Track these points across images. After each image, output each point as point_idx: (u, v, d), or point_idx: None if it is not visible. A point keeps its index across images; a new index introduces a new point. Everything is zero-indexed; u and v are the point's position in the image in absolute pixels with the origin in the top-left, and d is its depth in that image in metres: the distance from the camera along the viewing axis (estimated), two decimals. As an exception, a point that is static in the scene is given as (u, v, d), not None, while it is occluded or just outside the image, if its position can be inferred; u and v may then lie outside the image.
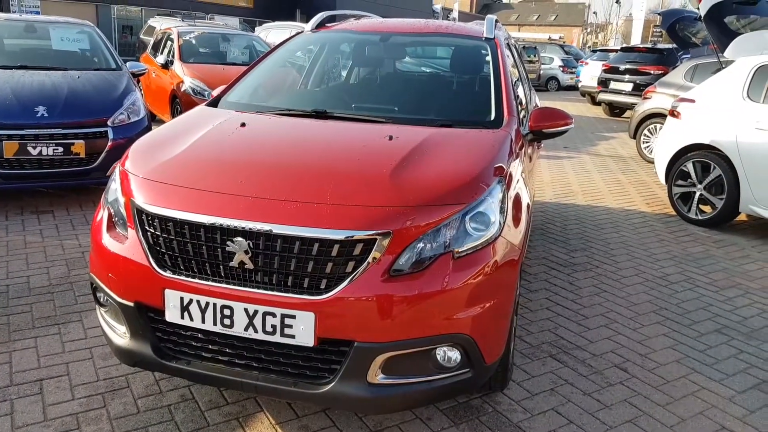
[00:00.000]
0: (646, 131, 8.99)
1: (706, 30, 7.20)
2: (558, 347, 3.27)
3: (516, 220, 2.47)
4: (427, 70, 3.55)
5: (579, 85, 18.01)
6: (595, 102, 16.09)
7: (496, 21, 3.87)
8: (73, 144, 4.86)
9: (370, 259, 2.06)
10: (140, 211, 2.25)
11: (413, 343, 2.11)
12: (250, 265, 2.09)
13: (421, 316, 2.09)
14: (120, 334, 2.36)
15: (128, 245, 2.28)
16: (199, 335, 2.22)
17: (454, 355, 2.20)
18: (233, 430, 2.44)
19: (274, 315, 2.08)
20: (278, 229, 2.06)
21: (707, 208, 5.84)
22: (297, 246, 2.06)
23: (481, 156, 2.51)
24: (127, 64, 6.02)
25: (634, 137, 9.20)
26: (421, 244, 2.12)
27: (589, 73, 16.29)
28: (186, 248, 2.16)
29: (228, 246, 2.10)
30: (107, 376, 2.75)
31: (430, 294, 2.09)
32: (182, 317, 2.18)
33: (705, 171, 5.76)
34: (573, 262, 4.63)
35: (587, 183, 7.46)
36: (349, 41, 3.80)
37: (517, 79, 4.02)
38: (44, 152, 4.77)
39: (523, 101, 3.77)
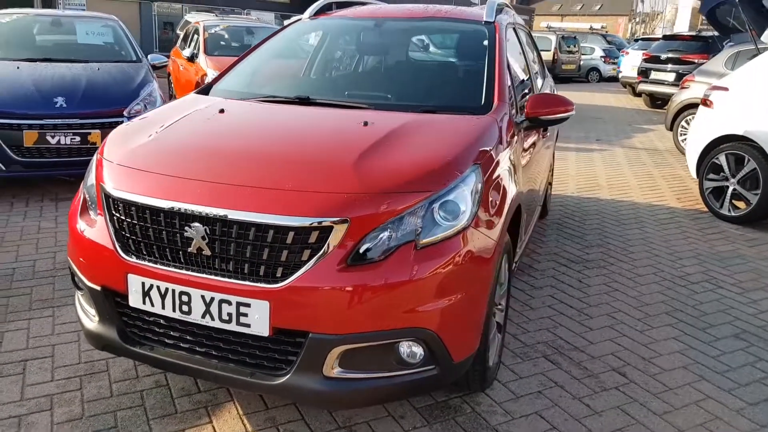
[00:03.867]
0: (683, 123, 8.59)
1: (744, 14, 6.80)
2: (554, 348, 3.12)
3: (496, 211, 2.36)
4: (421, 56, 3.44)
5: (619, 76, 17.42)
6: (636, 93, 15.52)
7: (502, 5, 3.72)
8: (89, 134, 4.96)
9: (326, 247, 1.99)
10: (107, 196, 2.24)
11: (371, 337, 2.03)
12: (207, 252, 2.05)
13: (379, 308, 2.01)
14: (90, 318, 2.37)
15: (96, 230, 2.28)
16: (161, 321, 2.20)
17: (418, 350, 2.11)
18: (200, 419, 2.41)
19: (229, 303, 2.04)
20: (233, 214, 2.01)
21: (741, 204, 5.53)
22: (252, 232, 2.00)
23: (457, 142, 2.40)
24: (149, 56, 6.11)
25: (671, 129, 8.80)
26: (381, 233, 2.03)
27: (630, 63, 15.72)
28: (147, 233, 2.14)
29: (186, 231, 2.06)
30: (89, 359, 2.78)
31: (389, 285, 2.00)
32: (144, 302, 2.16)
33: (739, 164, 5.45)
34: (586, 258, 4.44)
35: (615, 176, 7.18)
36: (345, 28, 3.72)
37: (524, 66, 3.87)
38: (62, 141, 4.89)
39: (527, 88, 3.61)
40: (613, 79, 21.72)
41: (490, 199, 2.36)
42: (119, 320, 2.27)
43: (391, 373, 2.11)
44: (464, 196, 2.20)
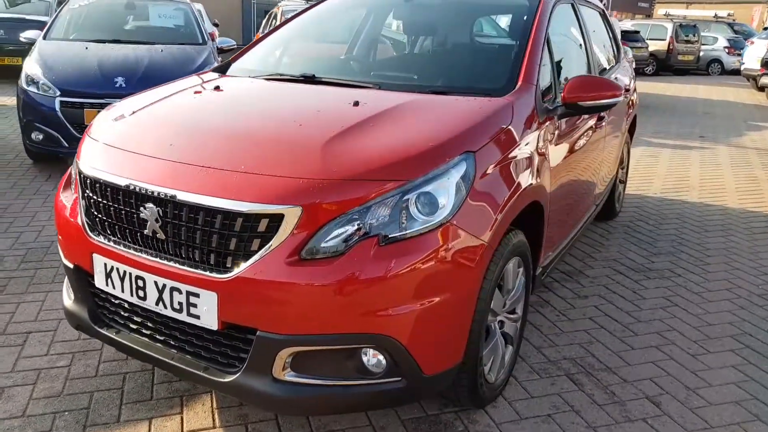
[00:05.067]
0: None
1: None
2: (581, 366, 2.75)
3: (493, 208, 2.06)
4: (452, 34, 3.13)
5: (741, 68, 15.72)
6: (758, 87, 13.94)
7: None
8: (147, 113, 5.09)
9: (276, 237, 1.80)
10: (80, 173, 2.19)
11: (321, 340, 1.82)
12: (161, 235, 1.93)
13: (332, 309, 1.79)
14: (69, 296, 2.34)
15: (70, 207, 2.23)
16: (125, 305, 2.11)
17: (380, 359, 1.88)
18: (171, 408, 2.32)
19: (180, 291, 1.91)
20: (182, 195, 1.87)
21: None
22: (201, 217, 1.85)
23: (448, 127, 2.11)
24: (217, 40, 6.20)
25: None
26: (339, 225, 1.81)
27: (754, 54, 14.12)
28: (109, 212, 2.06)
29: (141, 212, 1.95)
30: (87, 337, 2.77)
31: (343, 284, 1.77)
32: (106, 284, 2.09)
33: None
34: (649, 267, 3.94)
35: (711, 177, 6.41)
36: (372, 4, 3.47)
37: (581, 47, 3.45)
38: (121, 119, 5.05)
39: (577, 71, 3.21)
40: (737, 72, 19.76)
41: (488, 193, 2.06)
42: (91, 300, 2.21)
43: (350, 381, 1.89)
44: (446, 188, 1.92)
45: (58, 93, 5.02)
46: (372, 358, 1.89)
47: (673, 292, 3.58)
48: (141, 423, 2.23)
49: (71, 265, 2.22)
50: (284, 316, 1.80)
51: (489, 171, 2.09)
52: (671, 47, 19.98)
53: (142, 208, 1.94)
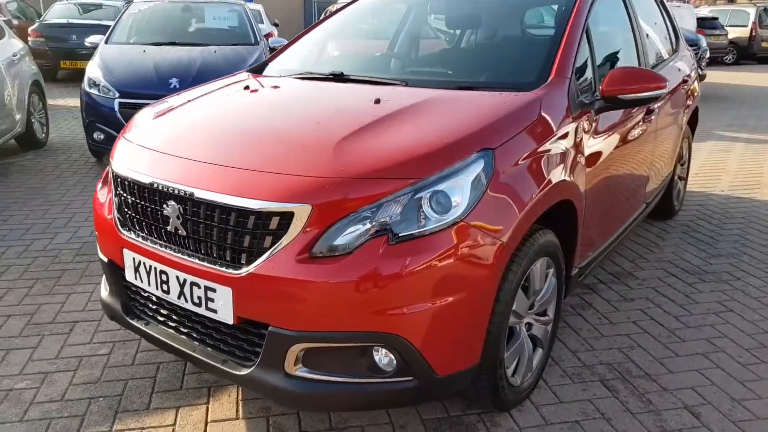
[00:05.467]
0: None
1: None
2: (618, 372, 2.63)
3: (514, 206, 1.99)
4: (487, 27, 3.05)
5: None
6: None
7: None
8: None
9: (287, 235, 1.81)
10: (112, 171, 2.28)
11: (331, 337, 1.82)
12: (182, 231, 1.99)
13: (341, 307, 1.79)
14: (105, 288, 2.45)
15: (105, 204, 2.34)
16: (153, 298, 2.19)
17: (391, 358, 1.86)
18: (198, 398, 2.39)
19: (198, 286, 1.96)
20: (199, 193, 1.92)
21: None
22: (217, 214, 1.90)
23: (467, 124, 2.06)
24: (269, 40, 6.33)
25: None
26: (350, 223, 1.80)
27: None
28: (137, 209, 2.14)
29: (164, 209, 2.02)
30: (129, 327, 2.90)
31: (353, 282, 1.77)
32: (135, 278, 2.17)
33: None
34: (705, 269, 3.72)
35: (787, 175, 5.98)
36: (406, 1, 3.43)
37: (628, 38, 3.29)
38: (173, 120, 5.26)
39: (624, 64, 3.06)
40: None
41: (508, 191, 2.00)
42: (124, 293, 2.31)
43: (361, 379, 1.88)
44: (460, 186, 1.88)
45: (117, 95, 5.27)
46: (384, 356, 1.88)
47: (730, 297, 3.36)
48: (169, 411, 2.31)
49: (106, 260, 2.33)
50: (294, 313, 1.82)
51: (510, 168, 2.02)
52: (754, 34, 18.75)
53: (165, 206, 2.01)
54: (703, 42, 11.47)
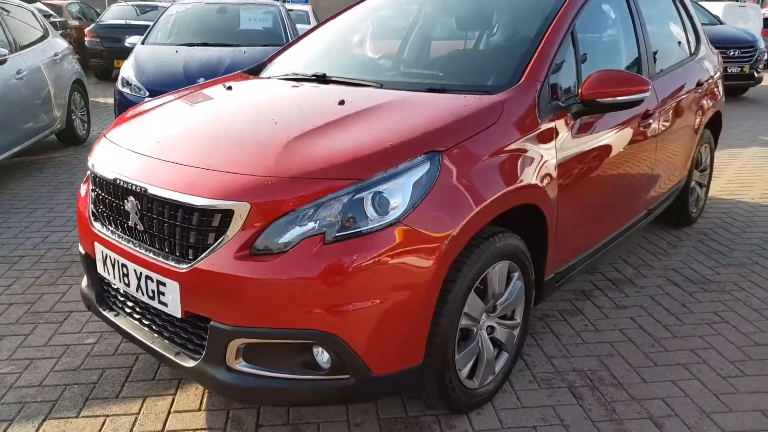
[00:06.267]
0: None
1: None
2: (590, 379, 2.57)
3: (457, 208, 1.99)
4: (471, 28, 3.03)
5: None
6: None
7: None
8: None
9: (228, 232, 1.87)
10: (90, 168, 2.40)
11: (267, 334, 1.87)
12: (140, 226, 2.08)
13: (277, 304, 1.84)
14: (84, 280, 2.57)
15: (83, 198, 2.46)
16: (120, 290, 2.30)
17: (327, 356, 1.89)
18: (167, 389, 2.48)
19: (152, 280, 2.04)
20: (152, 190, 2.00)
21: None
22: (167, 210, 1.98)
23: (420, 126, 2.08)
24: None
25: None
26: (288, 222, 1.85)
27: None
28: (105, 204, 2.25)
29: (125, 205, 2.11)
30: (119, 318, 3.03)
31: (287, 280, 1.81)
32: (104, 270, 2.28)
33: None
34: (711, 279, 3.57)
35: (824, 182, 5.67)
36: (395, 4, 3.44)
37: (630, 41, 3.21)
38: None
39: (609, 65, 2.98)
40: None
41: (456, 194, 2.00)
42: (98, 284, 2.42)
43: (299, 376, 1.92)
44: (401, 187, 1.90)
45: (147, 93, 5.48)
46: (323, 354, 1.92)
47: (728, 308, 3.23)
48: (136, 400, 2.41)
49: (83, 252, 2.45)
50: (233, 308, 1.88)
51: (460, 171, 2.02)
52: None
53: (125, 201, 2.11)
54: (762, 43, 10.95)
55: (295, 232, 1.84)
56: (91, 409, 2.36)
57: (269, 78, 2.95)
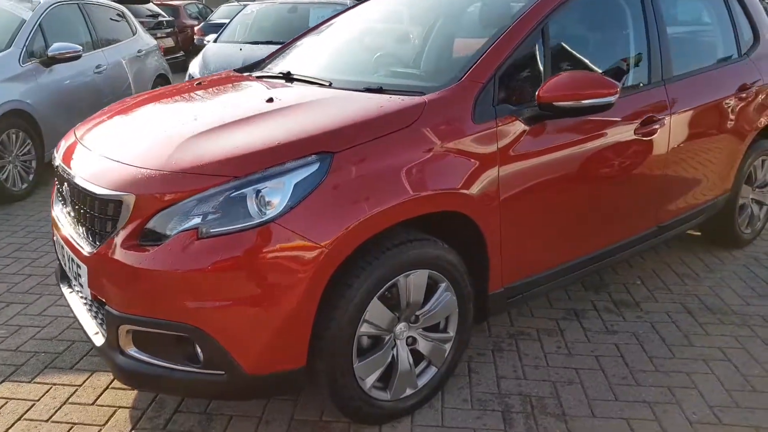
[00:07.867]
0: None
1: None
2: (532, 406, 2.38)
3: (345, 212, 1.92)
4: (445, 27, 2.87)
5: None
6: None
7: None
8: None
9: (120, 221, 1.96)
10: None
11: (146, 322, 1.93)
12: (72, 212, 2.24)
13: (152, 294, 1.90)
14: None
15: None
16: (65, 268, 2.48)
17: (199, 350, 1.92)
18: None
19: (74, 261, 2.19)
20: (77, 179, 2.16)
21: None
22: (83, 197, 2.11)
23: (317, 126, 2.04)
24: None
25: None
26: (167, 215, 1.90)
27: None
28: (56, 190, 2.44)
29: (63, 191, 2.28)
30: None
31: (159, 272, 1.87)
32: (55, 250, 2.48)
33: None
34: (735, 311, 3.14)
35: None
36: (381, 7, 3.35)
37: (634, 37, 2.92)
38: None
39: (603, 67, 2.73)
40: None
41: (347, 197, 1.94)
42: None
43: (175, 366, 1.97)
44: (282, 187, 1.87)
45: None
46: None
47: (740, 344, 2.83)
48: (83, 373, 2.59)
49: (54, 233, 2.67)
50: (121, 295, 1.97)
51: (353, 174, 1.95)
52: None
53: (63, 187, 2.28)
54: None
55: (174, 225, 1.89)
56: (44, 377, 2.57)
57: (248, 75, 3.03)
